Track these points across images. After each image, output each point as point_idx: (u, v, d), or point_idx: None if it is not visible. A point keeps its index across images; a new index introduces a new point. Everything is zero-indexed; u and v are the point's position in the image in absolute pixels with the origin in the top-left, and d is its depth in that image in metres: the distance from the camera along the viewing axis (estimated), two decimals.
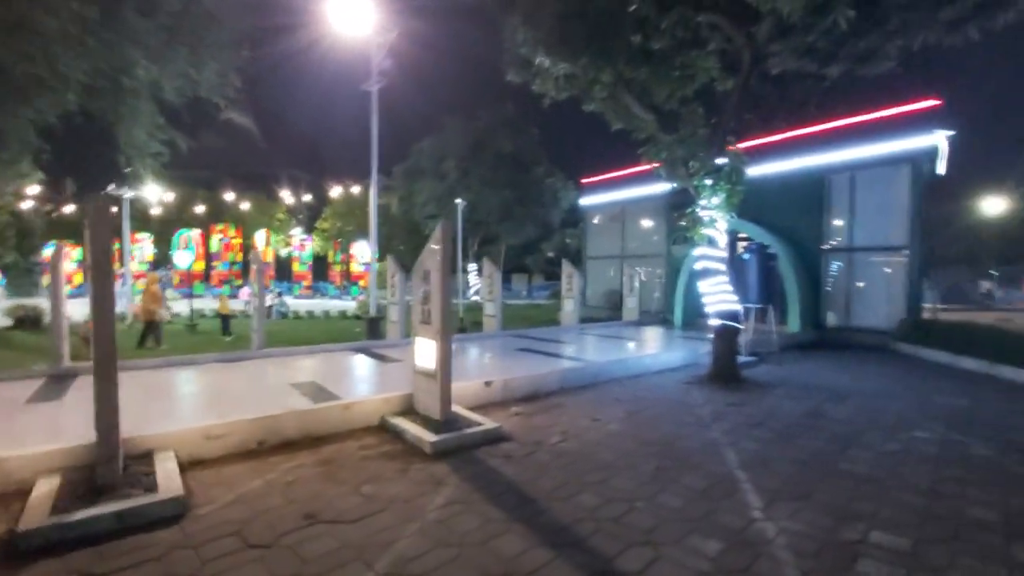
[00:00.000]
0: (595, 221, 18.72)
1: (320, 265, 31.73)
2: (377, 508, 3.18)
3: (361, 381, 6.98)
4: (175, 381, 6.49)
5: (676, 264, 14.07)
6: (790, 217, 12.55)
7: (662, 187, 11.65)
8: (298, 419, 4.50)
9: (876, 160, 10.96)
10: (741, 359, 8.45)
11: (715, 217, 7.38)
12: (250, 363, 7.57)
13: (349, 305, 21.25)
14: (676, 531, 2.93)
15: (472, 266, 24.17)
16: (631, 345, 10.12)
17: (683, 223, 7.74)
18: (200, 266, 27.81)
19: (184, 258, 22.38)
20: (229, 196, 36.77)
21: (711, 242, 7.39)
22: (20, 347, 10.42)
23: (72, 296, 22.40)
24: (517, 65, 8.63)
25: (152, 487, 3.21)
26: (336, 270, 29.47)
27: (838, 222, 11.83)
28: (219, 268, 28.82)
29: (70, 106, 12.55)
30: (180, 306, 18.26)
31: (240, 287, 26.56)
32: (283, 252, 33.70)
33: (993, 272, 28.99)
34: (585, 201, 19.05)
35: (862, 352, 10.15)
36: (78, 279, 25.37)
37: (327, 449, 4.25)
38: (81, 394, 5.34)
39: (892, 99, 10.70)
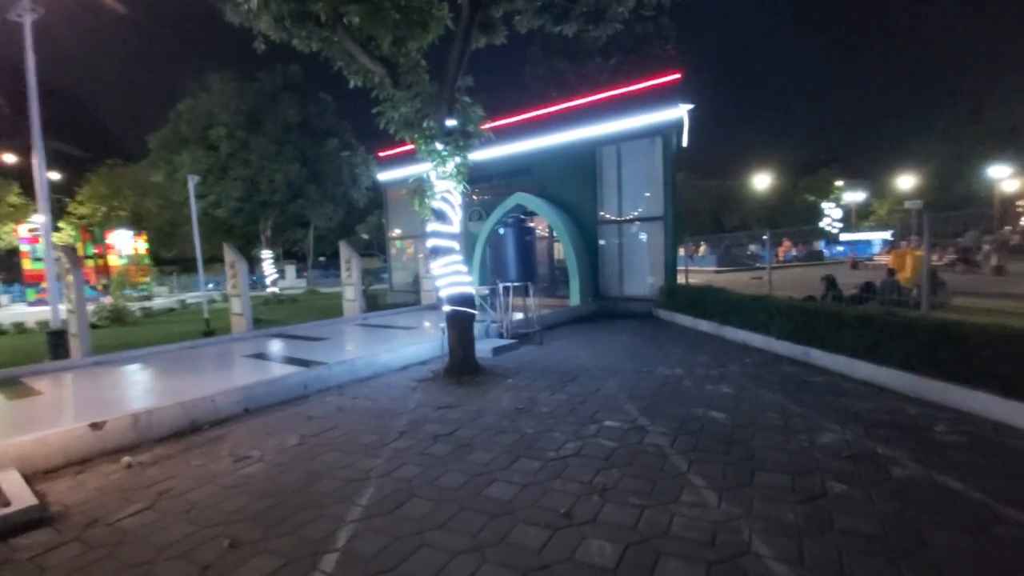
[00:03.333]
0: (393, 198, 17.20)
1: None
2: None
3: None
4: None
5: (474, 242, 13.32)
6: (569, 190, 12.52)
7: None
8: None
9: (635, 132, 11.24)
10: (500, 342, 7.85)
11: (447, 188, 6.46)
12: None
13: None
14: None
15: (266, 253, 20.94)
16: (391, 338, 8.97)
17: (406, 193, 6.71)
18: None
19: None
20: None
21: (440, 216, 6.43)
22: None
23: None
24: (232, 4, 6.67)
25: None
26: (89, 266, 23.42)
27: (609, 194, 12.05)
28: None
29: None
30: None
31: None
32: (12, 245, 26.01)
33: (764, 236, 34.46)
34: (384, 176, 17.39)
35: (629, 321, 10.42)
36: None
37: None
38: None
39: (638, 74, 11.02)
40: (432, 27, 6.78)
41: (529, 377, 6.04)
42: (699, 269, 22.75)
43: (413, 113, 6.42)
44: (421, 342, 7.54)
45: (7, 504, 3.06)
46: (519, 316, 9.14)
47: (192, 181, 11.69)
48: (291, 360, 7.04)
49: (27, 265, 23.07)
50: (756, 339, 7.20)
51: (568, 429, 4.20)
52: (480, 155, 13.23)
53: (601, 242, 12.22)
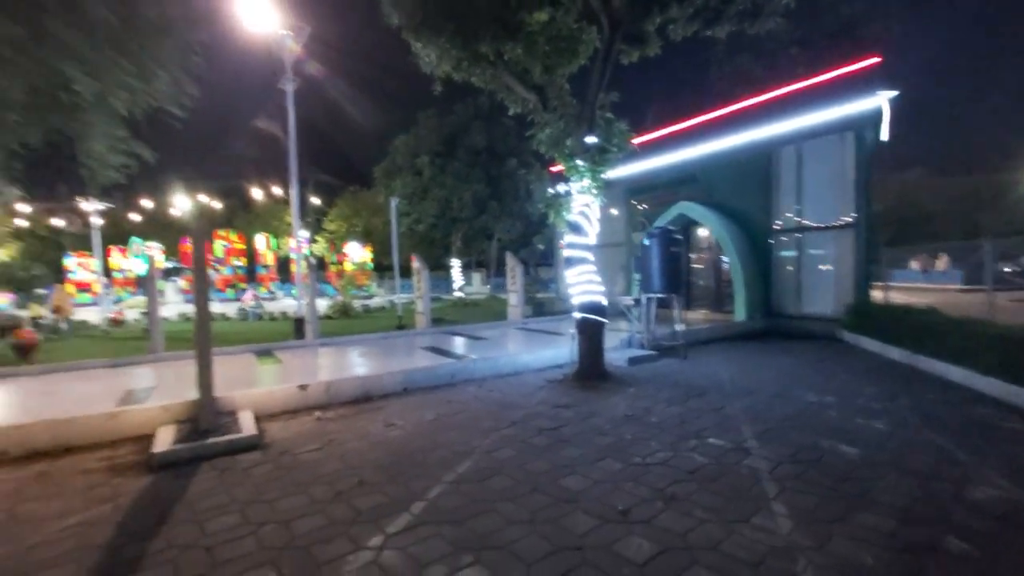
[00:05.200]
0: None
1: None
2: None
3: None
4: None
5: (637, 252, 13.33)
6: (738, 197, 11.63)
7: (618, 173, 11.01)
8: (50, 429, 4.36)
9: (820, 129, 9.92)
10: (638, 353, 7.85)
11: (585, 201, 6.84)
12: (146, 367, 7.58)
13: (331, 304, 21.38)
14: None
15: (455, 261, 23.88)
16: (539, 341, 9.59)
17: (543, 206, 7.25)
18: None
19: (138, 265, 23.33)
20: (208, 200, 37.66)
21: (576, 229, 6.82)
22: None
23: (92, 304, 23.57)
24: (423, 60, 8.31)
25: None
26: (332, 270, 29.85)
27: (786, 200, 10.82)
28: (223, 273, 29.78)
29: (31, 133, 13.04)
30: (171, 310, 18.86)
31: (244, 291, 27.35)
32: (285, 254, 34.57)
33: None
34: (553, 190, 18.40)
35: (803, 342, 9.25)
36: (96, 288, 26.76)
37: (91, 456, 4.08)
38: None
39: (834, 62, 9.65)
40: (581, 52, 7.27)
41: (654, 388, 6.00)
42: (929, 286, 18.44)
43: (558, 133, 6.98)
44: (563, 347, 8.00)
45: (239, 432, 4.47)
46: (680, 327, 8.90)
47: (393, 203, 14.26)
48: (449, 353, 8.18)
49: (294, 269, 30.40)
50: (955, 372, 5.83)
51: (667, 440, 4.19)
52: (644, 165, 13.26)
53: (776, 253, 11.05)
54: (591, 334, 6.58)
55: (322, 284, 31.73)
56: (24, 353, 8.77)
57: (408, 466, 3.82)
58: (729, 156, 11.63)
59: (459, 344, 9.33)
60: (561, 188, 7.25)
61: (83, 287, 27.15)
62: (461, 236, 23.43)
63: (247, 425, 4.64)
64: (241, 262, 30.68)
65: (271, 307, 20.76)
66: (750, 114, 11.17)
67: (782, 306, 10.90)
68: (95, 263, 23.24)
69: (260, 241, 31.01)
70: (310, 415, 5.32)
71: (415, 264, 11.71)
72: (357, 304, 20.45)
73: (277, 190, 37.82)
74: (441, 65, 7.76)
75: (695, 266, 13.53)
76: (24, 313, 14.05)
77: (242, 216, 39.99)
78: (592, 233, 6.93)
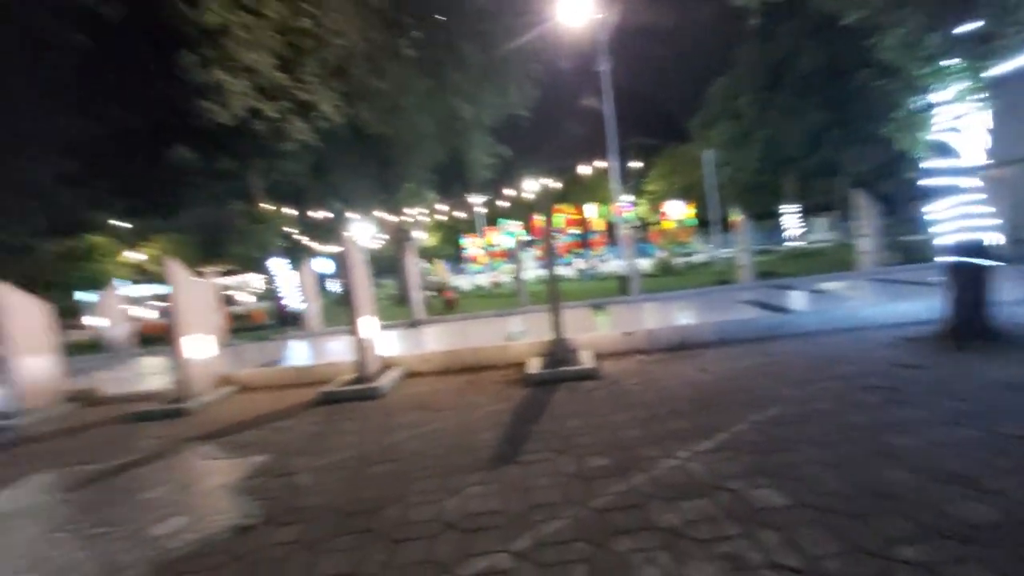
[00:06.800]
0: None
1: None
2: (475, 403, 5.00)
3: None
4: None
5: None
6: None
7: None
8: (500, 352, 6.71)
9: None
10: None
11: (957, 113, 5.35)
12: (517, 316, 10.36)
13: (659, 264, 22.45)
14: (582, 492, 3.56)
15: (788, 208, 21.10)
16: (891, 293, 7.84)
17: (892, 129, 5.90)
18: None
19: (506, 240, 29.16)
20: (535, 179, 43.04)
21: (942, 149, 5.40)
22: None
23: (479, 272, 31.98)
24: None
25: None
26: (654, 230, 30.85)
27: None
28: (563, 241, 34.95)
29: (440, 154, 18.91)
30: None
31: (579, 256, 31.63)
32: (612, 220, 37.53)
33: None
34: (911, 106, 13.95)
35: None
36: (483, 260, 35.92)
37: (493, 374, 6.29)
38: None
39: None
40: None
41: None
42: None
43: (918, 26, 5.60)
44: (929, 299, 6.50)
45: (582, 364, 5.74)
46: None
47: (709, 156, 13.80)
48: (771, 307, 7.79)
49: (621, 233, 32.85)
50: None
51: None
52: None
53: None
54: (966, 282, 5.19)
55: (644, 244, 33.34)
56: (449, 306, 13.00)
57: (715, 404, 4.21)
58: None
59: (786, 298, 8.69)
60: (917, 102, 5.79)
61: (473, 260, 36.74)
62: (795, 177, 20.49)
63: (587, 360, 5.90)
64: (577, 231, 35.26)
65: (602, 268, 23.33)
66: None
67: None
68: (479, 241, 31.08)
69: (591, 210, 34.82)
70: (633, 357, 6.25)
71: (735, 217, 11.27)
72: (679, 261, 20.81)
73: (602, 163, 41.36)
74: None
75: None
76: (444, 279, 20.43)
77: (576, 190, 45.36)
78: (970, 152, 5.36)
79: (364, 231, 23.21)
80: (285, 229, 25.97)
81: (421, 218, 25.30)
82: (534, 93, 19.77)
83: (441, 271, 20.07)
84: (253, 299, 20.59)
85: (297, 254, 22.85)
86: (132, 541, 3.08)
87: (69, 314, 19.51)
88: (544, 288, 6.30)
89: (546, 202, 37.78)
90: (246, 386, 7.07)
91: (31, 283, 7.40)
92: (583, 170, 42.95)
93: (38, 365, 7.05)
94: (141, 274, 33.98)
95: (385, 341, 8.19)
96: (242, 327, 15.25)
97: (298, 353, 9.15)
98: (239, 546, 2.88)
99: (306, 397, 6.08)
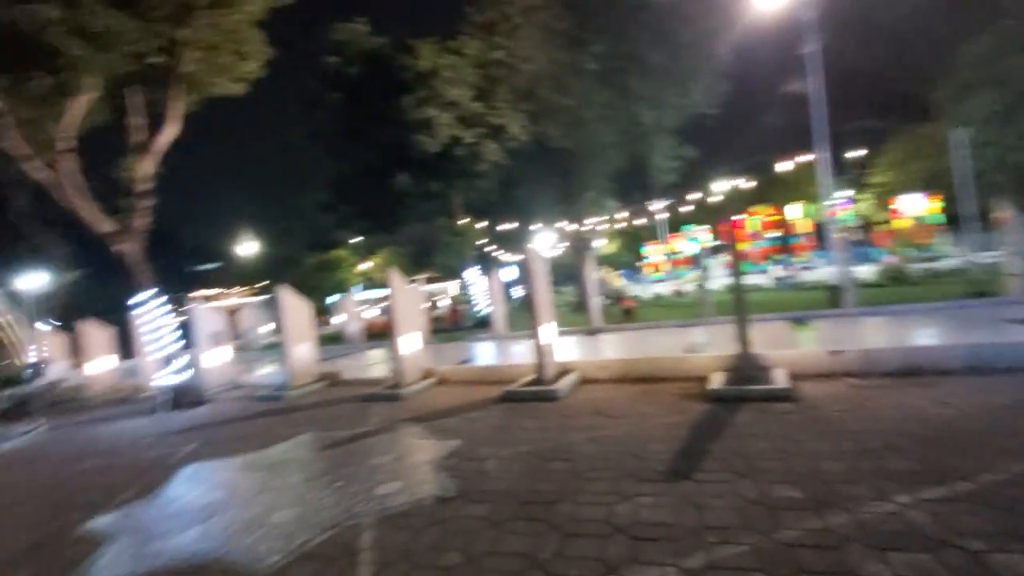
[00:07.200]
0: None
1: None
2: (647, 414, 5.04)
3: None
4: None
5: None
6: None
7: None
8: (676, 364, 6.62)
9: None
10: None
11: None
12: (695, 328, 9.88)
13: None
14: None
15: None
16: None
17: None
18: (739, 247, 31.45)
19: (690, 247, 27.20)
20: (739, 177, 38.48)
21: None
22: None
23: (658, 280, 31.02)
24: None
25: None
26: (880, 230, 25.55)
27: None
28: (760, 246, 31.33)
29: (619, 161, 19.15)
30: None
31: (778, 263, 28.09)
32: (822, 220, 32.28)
33: None
34: None
35: None
36: (665, 268, 34.52)
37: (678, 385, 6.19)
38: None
39: None
40: None
41: None
42: None
43: None
44: None
45: (774, 384, 5.19)
46: None
47: (958, 137, 10.98)
48: None
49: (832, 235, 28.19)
50: None
51: None
52: None
53: None
54: None
55: (867, 248, 27.94)
56: (627, 314, 12.87)
57: (955, 445, 3.43)
58: None
59: None
60: None
61: (655, 267, 35.42)
62: None
63: (780, 379, 5.32)
64: (777, 233, 31.40)
65: (807, 276, 20.40)
66: None
67: None
68: (662, 248, 29.89)
69: (794, 210, 30.62)
70: (841, 380, 5.40)
71: (1000, 212, 8.84)
72: (916, 268, 17.02)
73: (807, 157, 36.15)
74: None
75: None
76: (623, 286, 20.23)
77: (775, 188, 40.43)
78: None
79: (546, 241, 24.39)
80: (478, 241, 28.77)
81: (601, 227, 25.54)
82: (723, 88, 18.42)
83: (614, 279, 19.99)
84: (449, 303, 23.34)
85: (487, 263, 25.11)
86: (363, 496, 3.86)
87: (320, 312, 24.97)
88: (731, 298, 5.87)
89: (733, 204, 34.57)
90: (443, 379, 8.11)
91: (298, 287, 9.69)
92: (783, 166, 38.17)
93: (303, 351, 9.18)
94: (369, 281, 41.29)
95: (563, 346, 8.54)
96: (439, 328, 17.43)
97: (485, 353, 10.12)
98: (440, 513, 3.40)
99: (491, 393, 6.72)
